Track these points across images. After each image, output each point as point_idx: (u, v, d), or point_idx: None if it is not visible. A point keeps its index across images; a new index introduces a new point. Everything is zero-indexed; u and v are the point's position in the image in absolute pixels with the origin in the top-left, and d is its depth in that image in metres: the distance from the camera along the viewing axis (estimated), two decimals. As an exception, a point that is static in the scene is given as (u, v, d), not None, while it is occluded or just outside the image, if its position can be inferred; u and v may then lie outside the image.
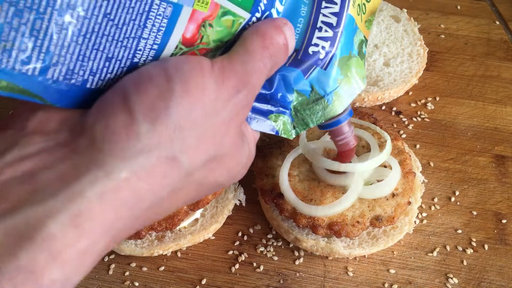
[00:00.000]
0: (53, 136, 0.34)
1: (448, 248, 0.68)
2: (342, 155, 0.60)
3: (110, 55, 0.36)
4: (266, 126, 0.48)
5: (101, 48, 0.35)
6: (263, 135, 0.80)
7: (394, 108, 0.84)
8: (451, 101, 0.85)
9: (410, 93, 0.86)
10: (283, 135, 0.49)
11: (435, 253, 0.67)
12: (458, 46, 0.94)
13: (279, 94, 0.48)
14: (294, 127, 0.50)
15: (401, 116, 0.83)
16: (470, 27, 0.97)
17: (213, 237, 0.69)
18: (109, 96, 0.35)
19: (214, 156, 0.38)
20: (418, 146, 0.79)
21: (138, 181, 0.33)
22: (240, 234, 0.70)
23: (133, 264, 0.67)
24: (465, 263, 0.67)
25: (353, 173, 0.62)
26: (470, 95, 0.86)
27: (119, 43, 0.36)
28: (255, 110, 0.47)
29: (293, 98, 0.48)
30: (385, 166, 0.65)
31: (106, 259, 0.67)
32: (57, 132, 0.35)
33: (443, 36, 0.96)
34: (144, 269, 0.67)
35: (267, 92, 0.48)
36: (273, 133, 0.48)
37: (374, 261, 0.67)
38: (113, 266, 0.67)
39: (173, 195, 0.37)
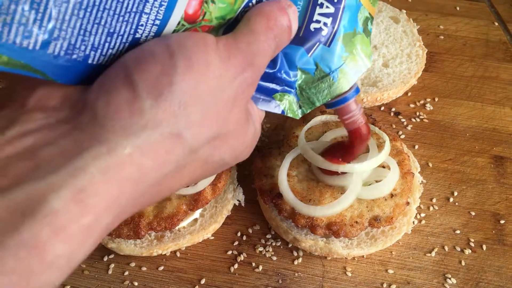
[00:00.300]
0: (54, 113, 0.34)
1: (446, 248, 0.68)
2: (352, 137, 0.57)
3: (111, 30, 0.36)
4: (271, 105, 0.47)
5: (102, 23, 0.35)
6: (262, 135, 0.80)
7: (393, 109, 0.84)
8: (450, 102, 0.85)
9: (409, 94, 0.86)
10: (289, 115, 0.49)
11: (433, 254, 0.68)
12: (457, 47, 0.94)
13: (283, 72, 0.47)
14: (300, 107, 0.49)
15: (400, 116, 0.83)
16: (469, 28, 0.97)
17: (212, 237, 0.70)
18: (111, 72, 0.35)
19: (218, 133, 0.38)
20: (416, 146, 0.79)
21: (142, 157, 0.33)
22: (239, 234, 0.70)
23: (133, 264, 0.67)
24: (463, 263, 0.67)
25: (352, 174, 0.62)
26: (468, 96, 0.86)
27: (121, 18, 0.35)
28: (259, 89, 0.47)
29: (297, 76, 0.48)
30: (383, 167, 0.65)
31: (106, 258, 0.68)
32: (58, 109, 0.35)
33: (442, 37, 0.96)
34: (144, 268, 0.67)
35: (271, 71, 0.47)
36: (279, 113, 0.48)
37: (372, 261, 0.67)
38: (112, 265, 0.67)
39: (177, 172, 0.37)
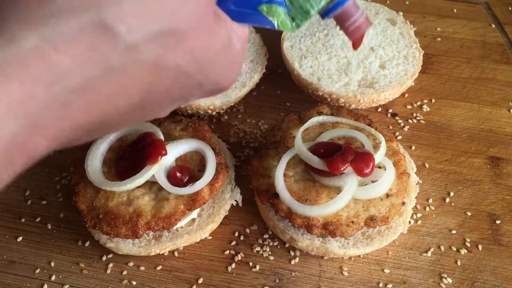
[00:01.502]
0: None
1: (442, 248, 0.69)
2: (355, 43, 0.51)
3: None
4: (259, 20, 0.41)
5: None
6: (259, 136, 0.81)
7: (390, 110, 0.85)
8: (447, 103, 0.86)
9: (406, 95, 0.87)
10: (281, 29, 0.42)
11: (429, 253, 0.68)
12: (454, 49, 0.95)
13: None
14: (293, 19, 0.43)
15: (397, 118, 0.84)
16: (466, 30, 0.98)
17: (210, 237, 0.70)
18: None
19: (169, 29, 0.31)
20: (413, 147, 0.80)
21: (54, 53, 0.27)
22: (236, 234, 0.71)
23: (131, 263, 0.68)
24: (459, 263, 0.67)
25: (348, 174, 0.63)
26: (465, 97, 0.87)
27: None
28: (240, 2, 0.40)
29: None
30: (379, 167, 0.66)
31: (104, 258, 0.68)
32: None
33: (439, 39, 0.97)
34: (142, 268, 0.67)
35: None
36: (269, 27, 0.41)
37: (369, 261, 0.68)
38: (111, 265, 0.68)
39: (114, 76, 0.30)
